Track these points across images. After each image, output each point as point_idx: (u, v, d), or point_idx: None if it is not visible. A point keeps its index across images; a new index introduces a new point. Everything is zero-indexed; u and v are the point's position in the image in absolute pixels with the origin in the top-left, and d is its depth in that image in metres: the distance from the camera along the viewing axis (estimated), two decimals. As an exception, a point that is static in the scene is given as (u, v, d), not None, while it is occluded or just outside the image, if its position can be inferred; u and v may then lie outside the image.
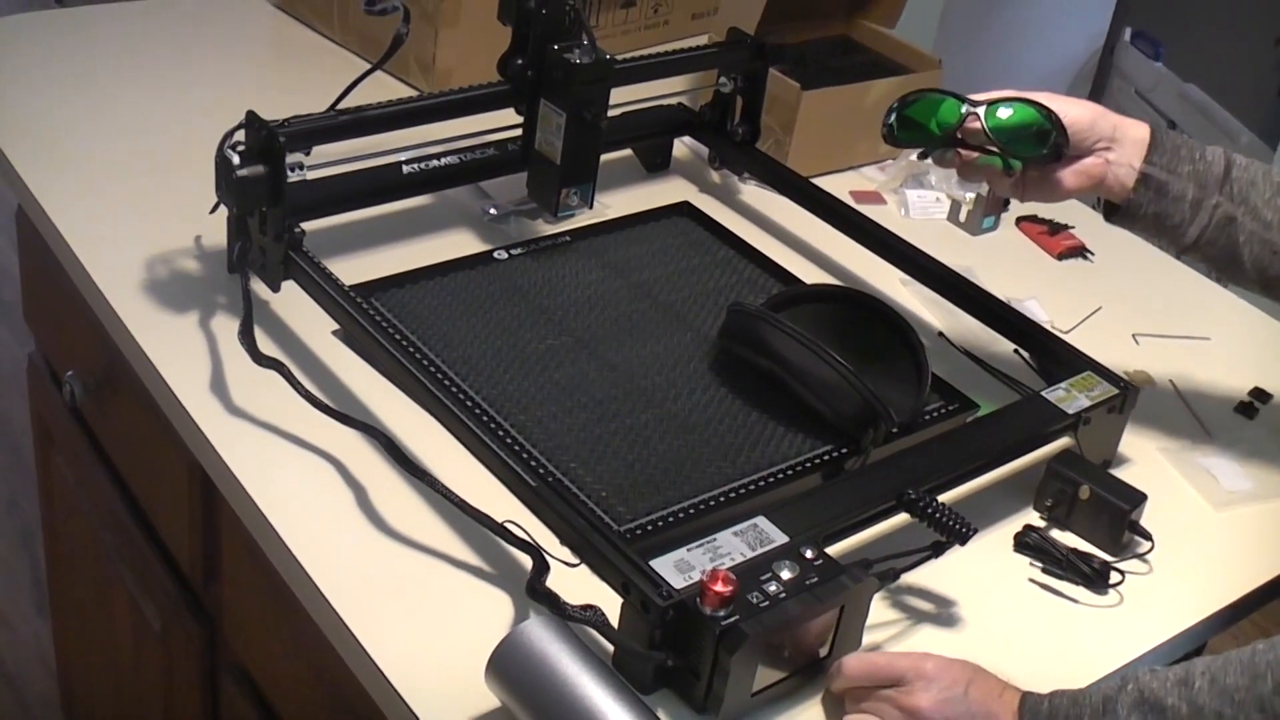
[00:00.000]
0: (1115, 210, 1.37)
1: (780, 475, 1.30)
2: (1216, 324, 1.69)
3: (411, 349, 1.35)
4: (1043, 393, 1.38)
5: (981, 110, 1.33)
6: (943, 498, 1.21)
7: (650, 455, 1.30)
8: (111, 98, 1.81)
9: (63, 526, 2.01)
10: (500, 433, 1.27)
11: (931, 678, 1.08)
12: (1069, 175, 1.35)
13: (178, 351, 1.37)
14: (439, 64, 1.87)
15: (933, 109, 1.37)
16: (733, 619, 1.03)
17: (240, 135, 1.36)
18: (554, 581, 1.09)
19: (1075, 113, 1.33)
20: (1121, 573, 1.29)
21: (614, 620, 1.08)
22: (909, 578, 1.20)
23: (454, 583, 1.18)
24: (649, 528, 1.21)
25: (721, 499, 1.26)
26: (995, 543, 1.31)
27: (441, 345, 1.40)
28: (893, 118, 1.39)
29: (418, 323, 1.42)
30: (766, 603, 1.05)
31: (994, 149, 1.34)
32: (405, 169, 1.55)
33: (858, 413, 1.32)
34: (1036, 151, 1.33)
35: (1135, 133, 1.34)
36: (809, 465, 1.32)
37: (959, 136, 1.35)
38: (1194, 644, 1.30)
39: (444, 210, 1.66)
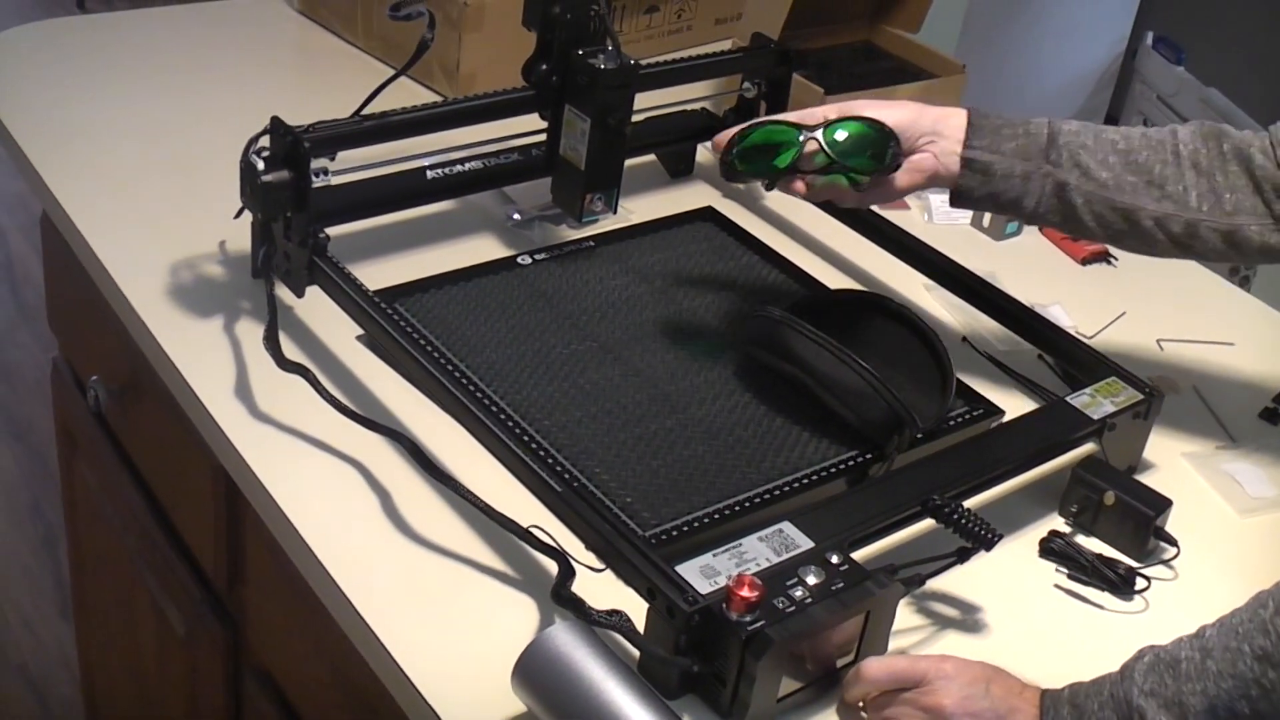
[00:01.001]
0: (954, 197, 1.41)
1: (805, 481, 1.30)
2: (1241, 329, 1.69)
3: (436, 354, 1.35)
4: (1067, 398, 1.38)
5: (819, 134, 1.36)
6: (968, 503, 1.21)
7: (675, 461, 1.30)
8: (135, 103, 1.81)
9: (86, 531, 2.02)
10: (525, 438, 1.27)
11: (952, 676, 1.08)
12: (901, 175, 1.39)
13: (202, 356, 1.38)
14: (463, 69, 1.87)
15: (771, 138, 1.39)
16: (759, 624, 1.03)
17: (265, 141, 1.36)
18: (579, 587, 1.09)
19: (895, 116, 1.38)
20: (1147, 578, 1.28)
21: (639, 625, 1.08)
22: (934, 583, 1.20)
23: (479, 587, 1.18)
24: (674, 533, 1.21)
25: (746, 504, 1.26)
26: (1020, 548, 1.31)
27: (466, 350, 1.40)
28: (734, 152, 1.40)
29: (442, 328, 1.43)
30: (792, 608, 1.05)
31: (836, 170, 1.37)
32: (429, 174, 1.55)
33: (882, 418, 1.32)
34: (877, 165, 1.37)
35: (956, 121, 1.38)
36: (834, 471, 1.32)
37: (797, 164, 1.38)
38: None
39: (468, 215, 1.66)
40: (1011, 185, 1.37)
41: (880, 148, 1.36)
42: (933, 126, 1.38)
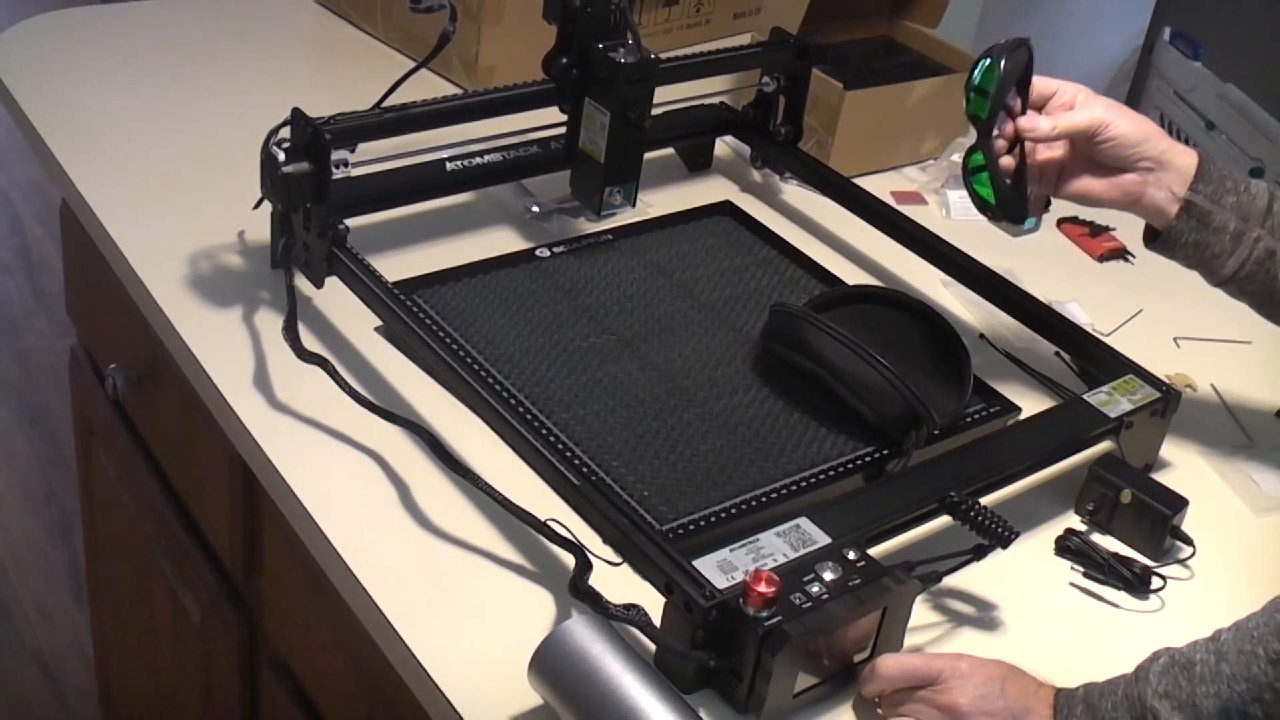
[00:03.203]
0: (1155, 237, 1.37)
1: (822, 476, 1.30)
2: (1258, 328, 1.67)
3: (454, 345, 1.35)
4: (1084, 396, 1.38)
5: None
6: (984, 500, 1.21)
7: (692, 455, 1.30)
8: (155, 93, 1.82)
9: (102, 518, 2.02)
10: (543, 430, 1.27)
11: (968, 675, 1.08)
12: (1104, 185, 1.35)
13: (221, 346, 1.38)
14: (482, 61, 1.88)
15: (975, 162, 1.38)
16: (776, 619, 1.03)
17: (286, 132, 1.37)
18: (596, 580, 1.09)
19: (1129, 126, 1.33)
20: (1163, 577, 1.28)
21: (656, 620, 1.08)
22: (951, 580, 1.20)
23: (496, 580, 1.18)
24: (691, 527, 1.22)
25: (764, 499, 1.26)
26: (1037, 546, 1.31)
27: (484, 342, 1.40)
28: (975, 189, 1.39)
29: (460, 320, 1.43)
30: (809, 604, 1.05)
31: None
32: (449, 166, 1.56)
33: (900, 414, 1.32)
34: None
35: (1182, 159, 1.34)
36: (851, 467, 1.32)
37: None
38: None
39: (487, 208, 1.66)
40: (1220, 241, 1.33)
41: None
42: (1159, 155, 1.34)
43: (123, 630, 2.08)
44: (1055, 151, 1.37)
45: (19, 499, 3.05)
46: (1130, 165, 1.34)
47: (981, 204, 1.37)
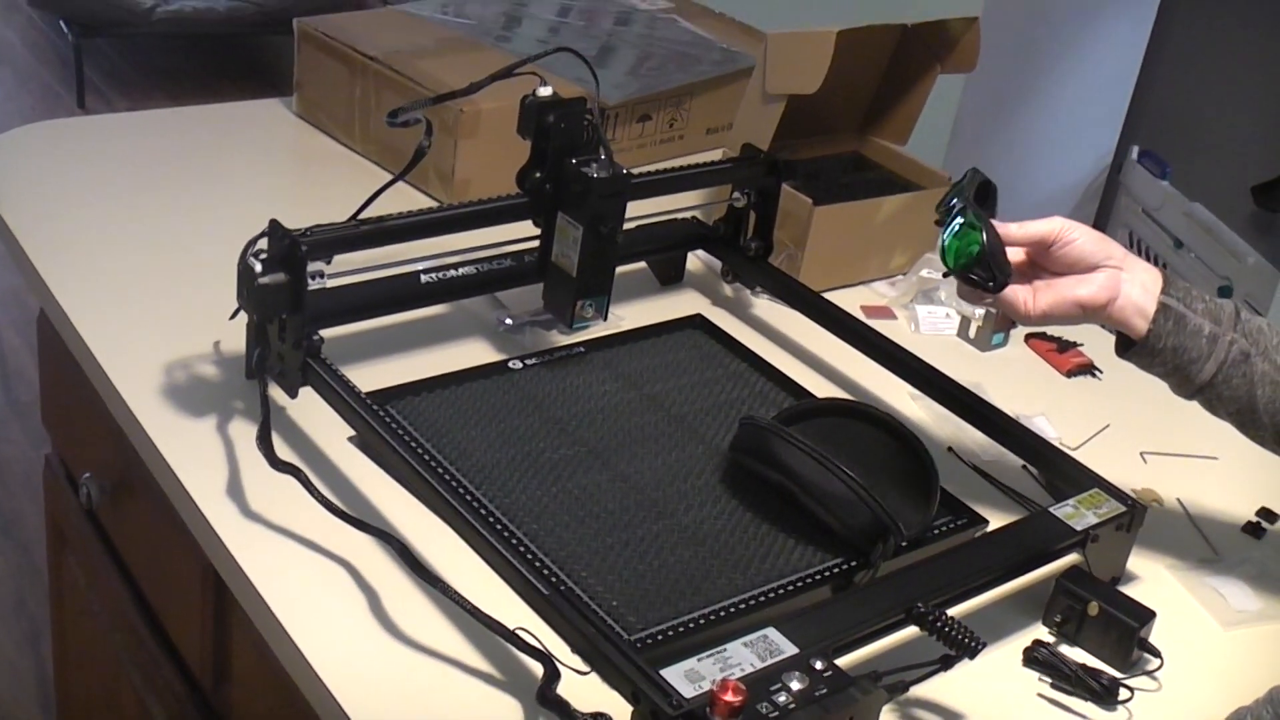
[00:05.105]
0: (1130, 346, 1.37)
1: (790, 587, 1.31)
2: (1224, 444, 1.70)
3: (426, 456, 1.37)
4: (1051, 509, 1.39)
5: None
6: (952, 611, 1.22)
7: (661, 566, 1.31)
8: (135, 203, 1.84)
9: (72, 626, 2.02)
10: (513, 541, 1.28)
11: None
12: (1080, 285, 1.34)
13: (195, 455, 1.39)
14: (458, 175, 1.90)
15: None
16: (742, 729, 1.03)
17: (263, 243, 1.38)
18: (565, 689, 1.10)
19: (1088, 236, 1.35)
20: (1131, 689, 1.29)
21: (624, 729, 1.08)
22: (918, 690, 1.20)
23: (466, 688, 1.18)
24: (659, 637, 1.22)
25: (732, 610, 1.27)
26: (1004, 657, 1.32)
27: (456, 453, 1.41)
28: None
29: (433, 431, 1.44)
30: (776, 713, 1.05)
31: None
32: (423, 278, 1.57)
33: (867, 527, 1.34)
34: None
35: (1147, 268, 1.36)
36: (819, 578, 1.32)
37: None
38: (1202, 763, 1.30)
39: (460, 320, 1.68)
40: (1196, 344, 1.33)
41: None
42: (1123, 258, 1.35)
43: (90, 741, 2.07)
44: (1019, 257, 1.38)
45: (-11, 608, 3.03)
46: (1101, 265, 1.34)
47: (966, 262, 1.35)
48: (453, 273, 1.60)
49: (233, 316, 1.43)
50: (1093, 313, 1.35)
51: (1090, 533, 1.36)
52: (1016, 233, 1.35)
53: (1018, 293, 1.36)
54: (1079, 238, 1.34)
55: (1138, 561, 1.45)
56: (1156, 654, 1.32)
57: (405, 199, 1.86)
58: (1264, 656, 1.39)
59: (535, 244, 1.63)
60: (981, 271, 1.34)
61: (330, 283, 1.42)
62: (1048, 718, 1.26)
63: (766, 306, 1.83)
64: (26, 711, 2.79)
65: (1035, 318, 1.36)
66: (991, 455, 1.57)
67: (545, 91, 1.56)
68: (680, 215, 1.84)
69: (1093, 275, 1.35)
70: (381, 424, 1.34)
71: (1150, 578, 1.46)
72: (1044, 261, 1.36)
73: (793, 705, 1.07)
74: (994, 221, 1.34)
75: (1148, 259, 1.38)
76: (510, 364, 1.57)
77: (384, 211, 1.49)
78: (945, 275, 1.37)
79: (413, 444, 1.37)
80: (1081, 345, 1.85)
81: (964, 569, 1.30)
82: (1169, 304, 1.34)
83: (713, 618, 1.25)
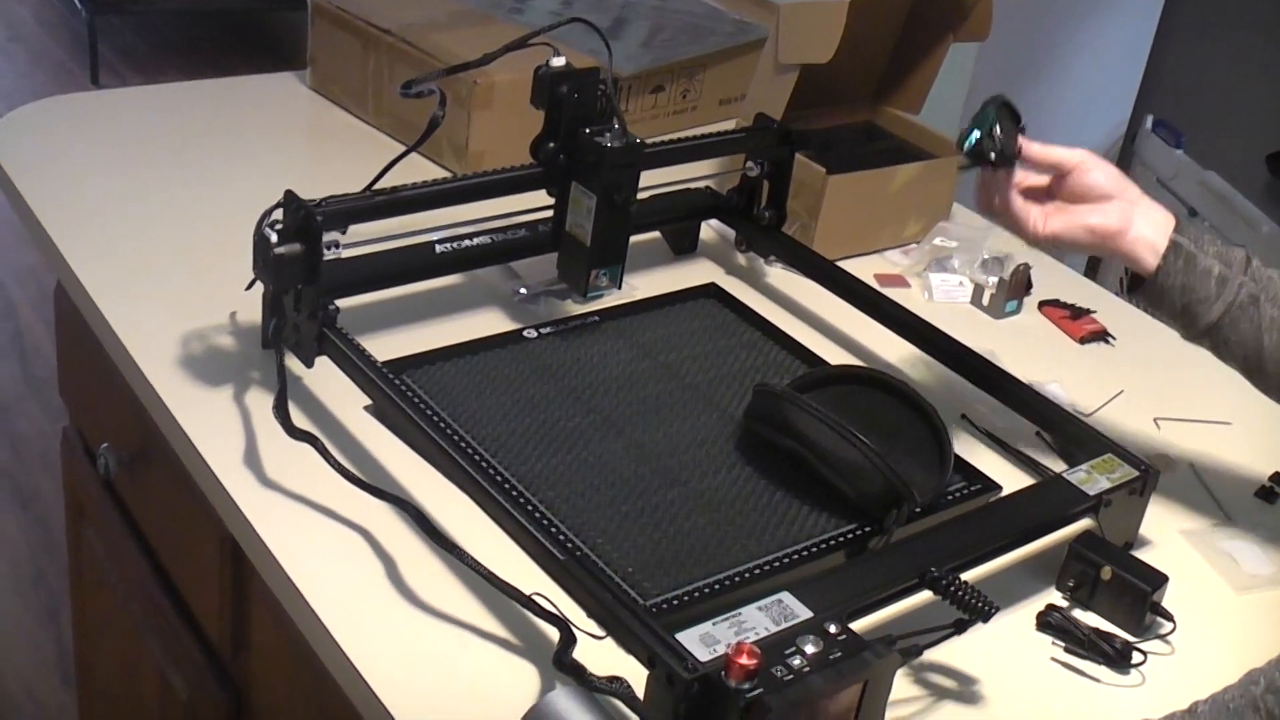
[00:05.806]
0: (1139, 284, 1.38)
1: (804, 553, 1.31)
2: (1237, 409, 1.70)
3: (442, 425, 1.37)
4: (1064, 474, 1.39)
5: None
6: (965, 576, 1.23)
7: (676, 532, 1.31)
8: (149, 177, 1.84)
9: (91, 598, 2.03)
10: (529, 508, 1.29)
11: None
12: (1092, 212, 1.37)
13: (213, 425, 1.40)
14: (471, 146, 1.91)
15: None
16: (756, 692, 1.04)
17: (278, 214, 1.39)
18: (580, 654, 1.10)
19: (1108, 171, 1.38)
20: (1144, 653, 1.30)
21: (639, 692, 1.09)
22: (932, 654, 1.21)
23: (482, 654, 1.19)
24: (675, 602, 1.23)
25: (746, 575, 1.27)
26: (1018, 621, 1.32)
27: (471, 422, 1.42)
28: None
29: (448, 399, 1.45)
30: (790, 676, 1.06)
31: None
32: (438, 249, 1.58)
33: (881, 493, 1.34)
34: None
35: (1159, 206, 1.37)
36: (833, 544, 1.33)
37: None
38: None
39: (475, 290, 1.68)
40: (1205, 285, 1.34)
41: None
42: (1139, 197, 1.37)
43: (110, 710, 2.08)
44: (1041, 180, 1.40)
45: (8, 581, 3.05)
46: (1113, 196, 1.36)
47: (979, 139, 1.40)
48: (467, 243, 1.60)
49: (249, 287, 1.44)
50: (1102, 240, 1.36)
51: (1103, 498, 1.36)
52: (1038, 151, 1.37)
53: (1030, 210, 1.37)
54: (1097, 170, 1.36)
55: (1151, 526, 1.46)
56: (1169, 618, 1.33)
57: (420, 171, 1.87)
58: (1276, 620, 1.39)
59: (549, 214, 1.63)
60: (990, 144, 1.38)
61: (345, 253, 1.42)
62: (1061, 681, 1.27)
63: (780, 275, 1.83)
64: (47, 683, 2.81)
65: (1044, 237, 1.38)
66: (1005, 421, 1.58)
67: (559, 62, 1.56)
68: (694, 185, 1.84)
69: (1107, 205, 1.36)
70: (398, 393, 1.35)
71: (1163, 542, 1.46)
72: (1061, 191, 1.38)
73: (807, 668, 1.07)
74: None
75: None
76: (525, 333, 1.58)
77: (399, 183, 1.49)
78: (961, 169, 1.40)
79: (429, 412, 1.38)
80: (1095, 312, 1.85)
81: (977, 534, 1.31)
82: (1180, 242, 1.35)
83: (727, 583, 1.26)
